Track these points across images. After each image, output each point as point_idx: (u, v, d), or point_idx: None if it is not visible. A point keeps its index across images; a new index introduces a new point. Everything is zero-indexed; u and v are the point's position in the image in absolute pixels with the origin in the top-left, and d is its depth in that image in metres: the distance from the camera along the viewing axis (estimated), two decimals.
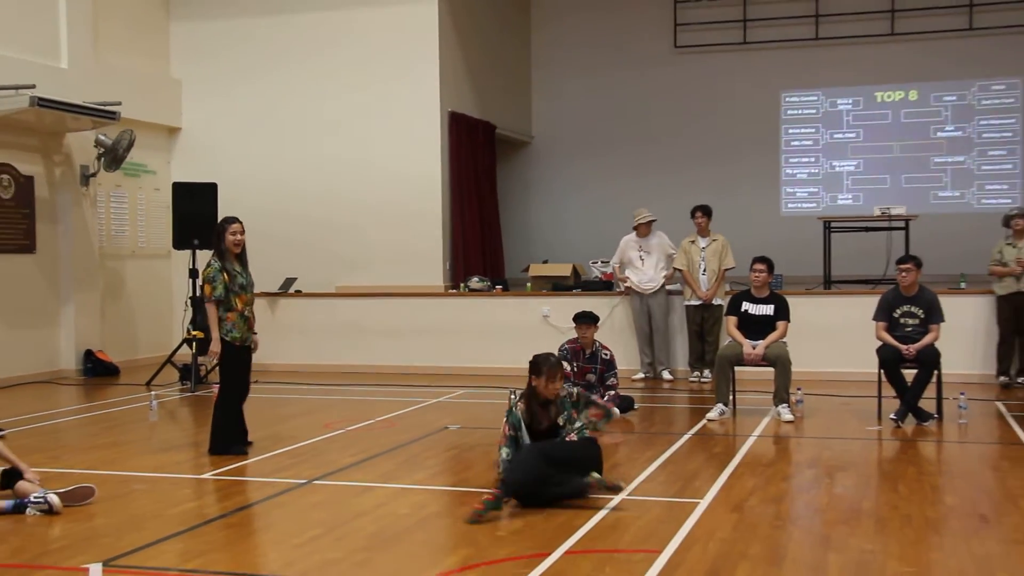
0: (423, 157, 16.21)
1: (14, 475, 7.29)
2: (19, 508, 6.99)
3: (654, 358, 13.97)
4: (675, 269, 13.82)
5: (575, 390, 8.16)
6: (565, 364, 10.75)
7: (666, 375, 13.88)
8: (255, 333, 9.33)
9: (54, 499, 6.99)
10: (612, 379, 10.91)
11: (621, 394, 11.01)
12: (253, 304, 9.24)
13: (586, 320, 10.95)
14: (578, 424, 7.54)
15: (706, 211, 13.77)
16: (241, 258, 9.13)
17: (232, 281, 8.96)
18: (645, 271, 13.93)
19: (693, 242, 13.77)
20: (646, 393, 12.85)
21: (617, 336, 14.00)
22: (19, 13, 14.36)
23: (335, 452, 9.16)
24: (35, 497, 7.01)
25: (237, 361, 9.15)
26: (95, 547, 6.24)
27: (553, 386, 7.49)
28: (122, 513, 7.09)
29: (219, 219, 9.31)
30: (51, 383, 14.27)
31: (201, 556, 6.12)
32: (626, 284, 14.13)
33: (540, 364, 7.55)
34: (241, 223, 9.15)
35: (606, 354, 11.01)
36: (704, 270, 13.60)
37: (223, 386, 9.21)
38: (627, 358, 13.83)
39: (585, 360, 10.91)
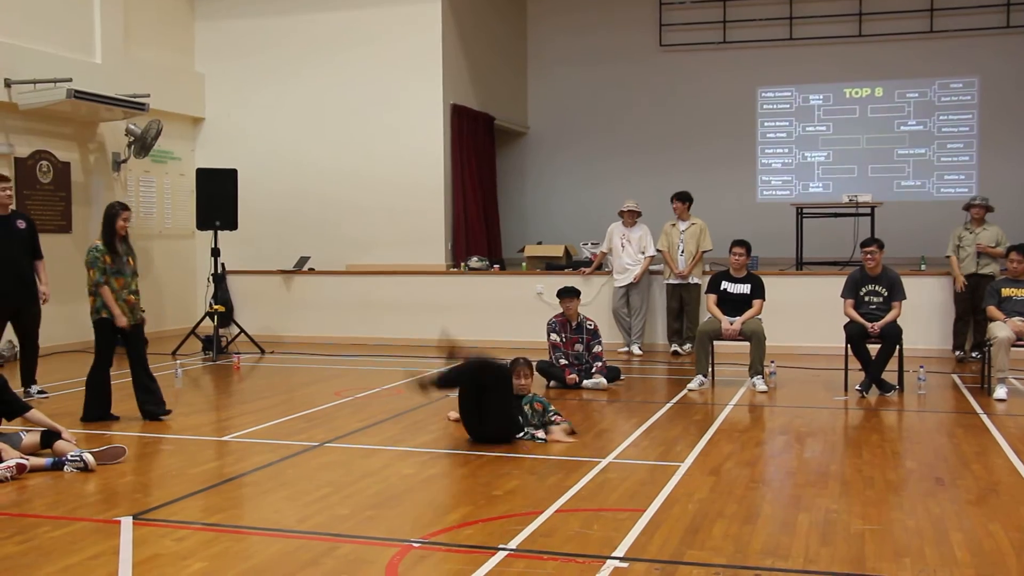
0: (427, 146, 16.17)
1: (53, 436, 7.32)
2: (57, 465, 7.03)
3: (630, 334, 13.99)
4: (657, 250, 13.84)
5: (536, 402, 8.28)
6: (555, 336, 10.83)
7: (636, 350, 13.88)
8: (142, 311, 9.31)
9: (89, 458, 7.02)
10: (597, 347, 10.93)
11: (608, 365, 11.03)
12: (134, 286, 9.14)
13: (569, 294, 10.97)
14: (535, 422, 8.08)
15: (682, 198, 13.80)
16: (124, 241, 9.07)
17: (112, 264, 8.92)
18: (623, 259, 13.90)
19: (674, 225, 13.80)
20: (631, 365, 12.87)
21: (605, 313, 14.01)
22: (58, 14, 14.31)
23: (345, 417, 9.18)
24: (72, 456, 7.04)
25: (111, 337, 9.05)
26: (126, 502, 6.27)
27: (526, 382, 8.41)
28: (151, 471, 7.11)
29: (112, 203, 9.16)
30: (86, 352, 14.26)
31: (222, 511, 6.14)
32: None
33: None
34: (130, 211, 9.11)
35: (590, 324, 11.03)
36: (683, 251, 13.63)
37: (97, 359, 9.12)
38: (610, 335, 13.85)
39: (572, 331, 10.92)
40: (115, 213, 8.97)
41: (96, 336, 9.09)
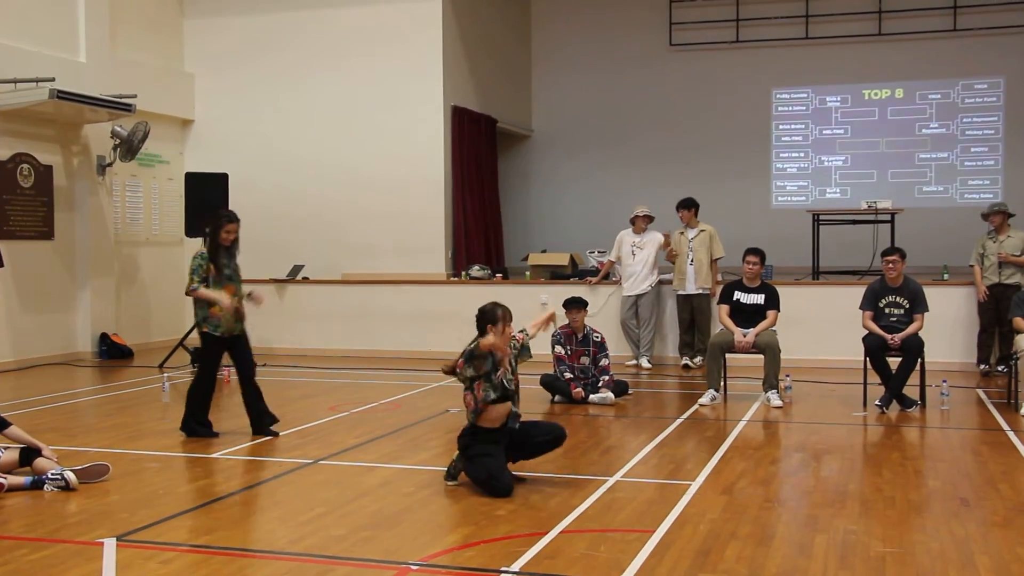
0: (427, 149, 16.18)
1: (32, 453, 7.30)
2: (37, 484, 7.00)
3: (639, 346, 13.97)
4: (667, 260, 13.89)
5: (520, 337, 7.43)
6: (560, 348, 10.83)
7: (645, 363, 13.86)
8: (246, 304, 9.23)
9: (70, 476, 7.00)
10: (604, 360, 10.94)
11: (616, 379, 11.01)
12: (241, 295, 9.09)
13: (576, 305, 10.97)
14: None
15: (687, 205, 13.79)
16: (229, 251, 9.03)
17: (219, 273, 8.89)
18: (634, 266, 13.89)
19: (682, 233, 13.80)
20: (640, 379, 12.85)
21: (612, 324, 13.99)
22: (40, 9, 14.34)
23: (340, 433, 9.17)
24: (52, 474, 7.02)
25: (217, 352, 9.10)
26: (110, 522, 6.25)
27: (509, 330, 7.16)
28: (136, 490, 7.09)
29: (219, 213, 9.17)
30: (68, 365, 14.27)
31: (211, 532, 6.12)
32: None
33: (494, 311, 7.17)
34: (236, 221, 9.03)
35: (597, 336, 11.05)
36: (692, 260, 13.63)
37: (199, 372, 9.22)
38: (618, 347, 13.85)
39: (578, 344, 10.93)
40: (219, 225, 8.91)
41: (200, 348, 9.25)
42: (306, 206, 16.55)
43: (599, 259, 15.05)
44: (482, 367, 7.01)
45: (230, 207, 14.24)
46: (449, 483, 7.17)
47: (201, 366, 9.25)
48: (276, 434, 9.00)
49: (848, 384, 11.48)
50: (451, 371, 7.13)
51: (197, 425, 9.05)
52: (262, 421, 9.10)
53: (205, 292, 8.82)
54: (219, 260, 8.91)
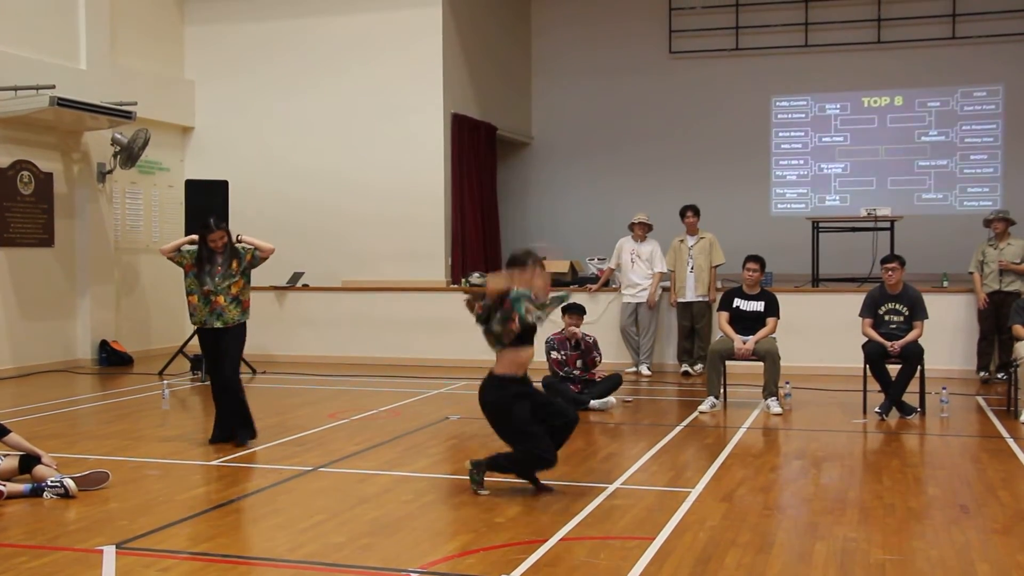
0: (427, 156, 16.18)
1: (32, 460, 7.29)
2: (37, 492, 7.00)
3: (639, 354, 13.96)
4: (669, 270, 13.84)
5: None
6: (555, 354, 10.85)
7: (644, 370, 13.85)
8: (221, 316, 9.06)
9: (70, 483, 6.99)
10: (596, 356, 11.10)
11: (608, 373, 11.19)
12: (233, 289, 8.98)
13: (575, 311, 10.99)
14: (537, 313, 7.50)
15: (696, 211, 13.79)
16: (224, 251, 8.98)
17: (200, 273, 9.02)
18: (634, 274, 13.89)
19: (682, 241, 13.80)
20: (639, 386, 12.85)
21: (612, 331, 13.99)
22: (40, 17, 14.35)
23: (340, 440, 9.16)
24: (52, 481, 7.01)
25: (204, 345, 9.19)
26: (109, 530, 6.24)
27: (539, 274, 7.42)
28: (135, 497, 7.08)
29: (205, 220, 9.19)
30: (68, 372, 14.26)
31: (210, 540, 6.11)
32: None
33: (524, 258, 7.41)
34: (216, 230, 8.94)
35: (589, 338, 11.14)
36: (692, 268, 13.63)
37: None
38: (618, 354, 13.89)
39: (572, 348, 10.97)
40: (203, 234, 8.98)
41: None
42: (306, 213, 16.54)
43: (599, 266, 15.04)
44: (518, 314, 7.36)
45: (230, 214, 14.33)
46: (482, 492, 7.05)
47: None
48: (248, 440, 8.95)
49: (848, 391, 11.48)
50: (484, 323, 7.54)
51: (216, 427, 9.08)
52: (236, 428, 9.02)
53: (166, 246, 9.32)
54: (204, 263, 8.97)
